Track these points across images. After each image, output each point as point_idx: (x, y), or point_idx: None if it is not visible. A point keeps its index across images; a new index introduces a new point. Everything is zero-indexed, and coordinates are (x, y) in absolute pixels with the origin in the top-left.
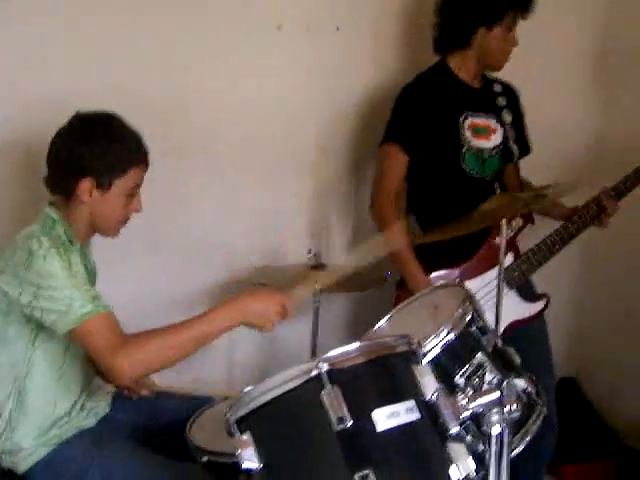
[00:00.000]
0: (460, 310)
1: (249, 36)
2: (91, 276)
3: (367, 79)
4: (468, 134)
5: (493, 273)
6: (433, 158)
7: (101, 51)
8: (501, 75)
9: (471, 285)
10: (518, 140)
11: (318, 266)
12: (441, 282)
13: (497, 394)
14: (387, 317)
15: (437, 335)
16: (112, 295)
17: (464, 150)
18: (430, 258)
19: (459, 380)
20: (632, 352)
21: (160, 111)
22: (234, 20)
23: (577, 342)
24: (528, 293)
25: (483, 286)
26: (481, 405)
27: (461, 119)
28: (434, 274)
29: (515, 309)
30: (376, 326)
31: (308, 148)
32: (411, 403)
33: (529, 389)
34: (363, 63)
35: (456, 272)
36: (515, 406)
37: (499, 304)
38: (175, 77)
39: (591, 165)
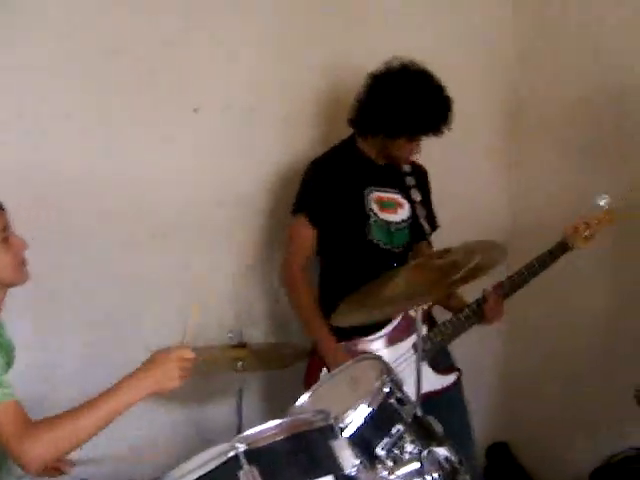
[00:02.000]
0: (378, 383)
1: (168, 117)
2: (4, 352)
3: (278, 158)
4: (374, 207)
5: (407, 344)
6: (341, 230)
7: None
8: None
9: (386, 355)
10: (427, 219)
11: (239, 345)
12: (361, 355)
13: (417, 464)
14: (308, 393)
15: (356, 409)
16: None
17: (371, 221)
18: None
19: (380, 452)
20: (561, 416)
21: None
22: (153, 102)
23: (508, 408)
24: (442, 365)
25: (397, 357)
26: (402, 476)
27: (366, 192)
28: (348, 343)
29: (427, 381)
30: (298, 402)
31: (228, 224)
32: (330, 478)
33: (451, 457)
34: (275, 143)
35: (372, 342)
36: (437, 475)
37: (419, 374)
38: (96, 158)
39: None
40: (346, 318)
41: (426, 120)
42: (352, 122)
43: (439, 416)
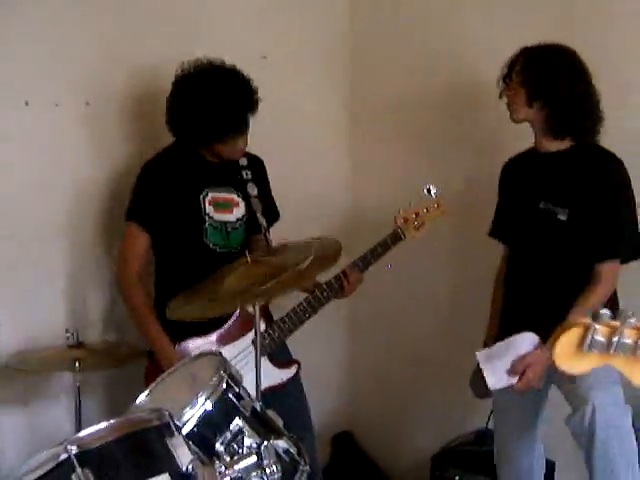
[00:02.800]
0: (215, 378)
1: None
2: None
3: (117, 153)
4: (209, 209)
5: (246, 340)
6: (175, 234)
7: None
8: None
9: (224, 353)
10: (265, 211)
11: (76, 345)
12: (199, 351)
13: (254, 458)
14: (146, 392)
15: (193, 405)
16: None
17: (206, 225)
18: (182, 326)
19: (219, 448)
20: (404, 403)
21: None
22: None
23: (351, 397)
24: (281, 359)
25: (237, 354)
26: (239, 470)
27: (201, 196)
28: (185, 343)
29: (267, 376)
30: (136, 402)
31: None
32: (165, 477)
33: (290, 449)
34: (111, 140)
35: (209, 340)
36: (275, 468)
37: (258, 369)
38: None
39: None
40: (178, 312)
41: (227, 122)
42: (170, 130)
43: (281, 409)
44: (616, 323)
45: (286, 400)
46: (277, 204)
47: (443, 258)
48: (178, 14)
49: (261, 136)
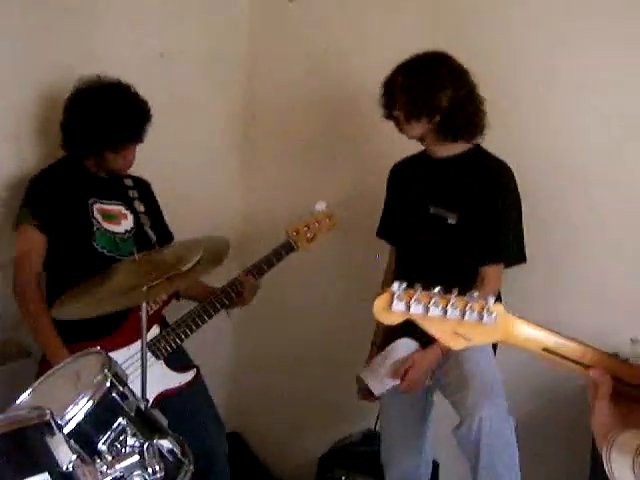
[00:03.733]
0: (99, 377)
1: None
2: None
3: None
4: (98, 216)
5: (139, 343)
6: (64, 237)
7: None
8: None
9: (118, 356)
10: (155, 227)
11: None
12: (84, 350)
13: (136, 457)
14: (29, 391)
15: (76, 404)
16: None
17: (94, 229)
18: (74, 331)
19: (102, 447)
20: (292, 404)
21: None
22: None
23: (240, 397)
24: (179, 363)
25: (129, 357)
26: (121, 469)
27: (90, 202)
28: (77, 346)
29: (164, 379)
30: (18, 401)
31: None
32: (45, 476)
33: (175, 449)
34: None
35: (101, 344)
36: (158, 467)
37: (144, 370)
38: None
39: (238, 241)
40: (63, 312)
41: (122, 129)
42: (63, 144)
43: (183, 410)
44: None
45: (188, 402)
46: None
47: (332, 262)
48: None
49: (155, 138)
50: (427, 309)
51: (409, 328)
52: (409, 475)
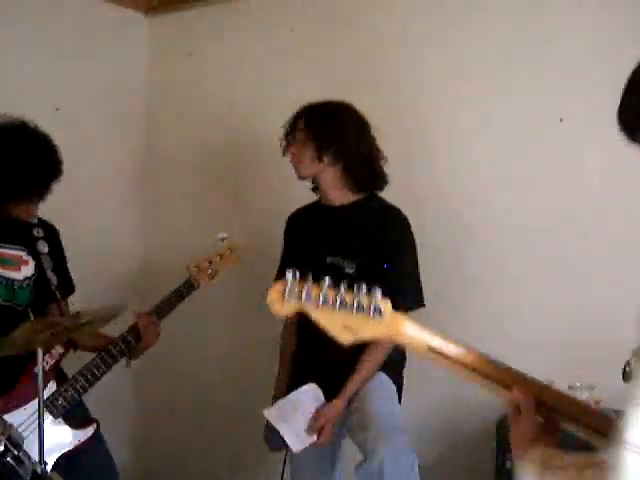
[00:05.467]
0: None
1: None
2: None
3: None
4: None
5: (36, 403)
6: None
7: None
8: None
9: (14, 417)
10: (57, 271)
11: None
12: None
13: None
14: None
15: None
16: None
17: None
18: None
19: None
20: (189, 458)
21: None
22: None
23: (144, 450)
24: (77, 419)
25: (27, 417)
26: None
27: None
28: None
29: (62, 438)
30: None
31: None
32: None
33: None
34: None
35: None
36: None
37: (41, 431)
38: None
39: (137, 286)
40: None
41: (28, 187)
42: None
43: (86, 469)
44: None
45: (87, 459)
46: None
47: (234, 307)
48: None
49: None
50: (318, 301)
51: (319, 366)
52: None
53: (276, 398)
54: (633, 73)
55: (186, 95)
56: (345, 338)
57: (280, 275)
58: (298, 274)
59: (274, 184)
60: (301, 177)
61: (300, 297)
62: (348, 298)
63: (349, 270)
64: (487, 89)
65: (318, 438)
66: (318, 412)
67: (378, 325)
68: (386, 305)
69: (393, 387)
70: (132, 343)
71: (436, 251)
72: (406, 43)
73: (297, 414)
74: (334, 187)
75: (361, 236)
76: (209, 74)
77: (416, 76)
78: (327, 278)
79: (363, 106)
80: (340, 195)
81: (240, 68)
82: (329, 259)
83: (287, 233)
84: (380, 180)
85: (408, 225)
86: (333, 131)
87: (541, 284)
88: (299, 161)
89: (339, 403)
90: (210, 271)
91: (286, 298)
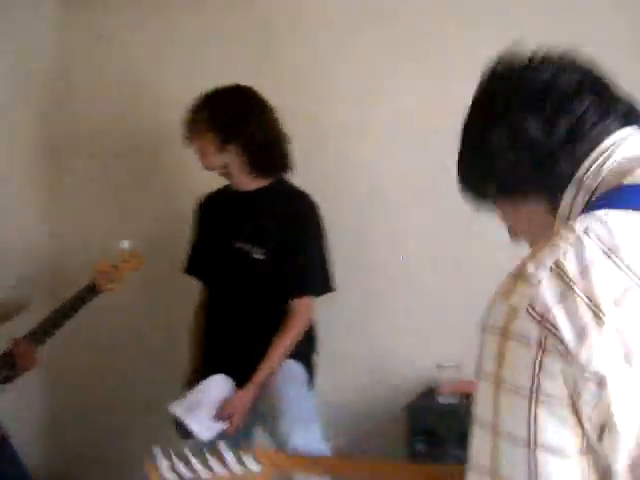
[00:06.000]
0: None
1: None
2: None
3: None
4: None
5: None
6: None
7: None
8: None
9: None
10: None
11: None
12: None
13: None
14: None
15: None
16: None
17: None
18: None
19: None
20: (104, 456)
21: None
22: None
23: (59, 455)
24: None
25: None
26: None
27: None
28: None
29: None
30: None
31: None
32: None
33: None
34: None
35: None
36: None
37: None
38: None
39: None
40: None
41: None
42: None
43: None
44: None
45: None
46: None
47: (141, 303)
48: None
49: None
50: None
51: (230, 354)
52: None
53: (186, 385)
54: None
55: (98, 79)
56: None
57: (190, 263)
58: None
59: (189, 170)
60: (208, 168)
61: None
62: (222, 462)
63: (257, 256)
64: (393, 82)
65: (228, 426)
66: (226, 401)
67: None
68: (259, 464)
69: (304, 374)
70: (4, 372)
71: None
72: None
73: (204, 404)
74: (241, 173)
75: (269, 221)
76: (120, 59)
77: (326, 62)
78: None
79: (270, 90)
80: (247, 181)
81: (153, 52)
82: (237, 244)
83: (196, 217)
84: (285, 164)
85: (316, 209)
86: (234, 119)
87: (416, 268)
88: (203, 153)
89: (247, 392)
90: (114, 275)
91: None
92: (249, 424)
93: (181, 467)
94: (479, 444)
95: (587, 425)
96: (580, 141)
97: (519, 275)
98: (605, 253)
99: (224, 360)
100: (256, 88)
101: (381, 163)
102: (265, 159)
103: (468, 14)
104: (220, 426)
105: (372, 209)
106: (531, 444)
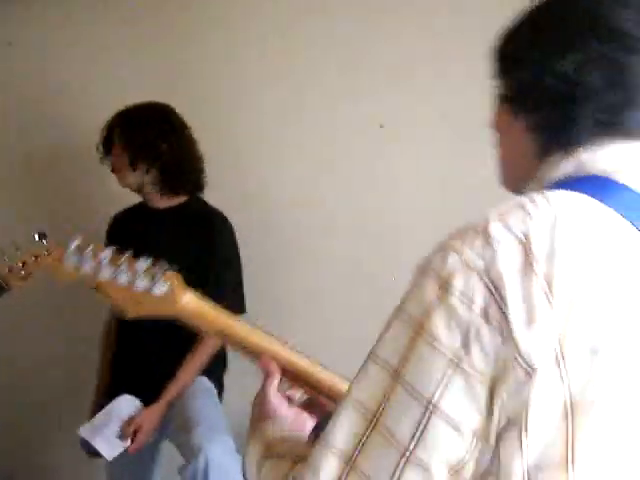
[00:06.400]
0: None
1: None
2: None
3: None
4: None
5: None
6: None
7: None
8: None
9: None
10: None
11: None
12: None
13: None
14: None
15: None
16: None
17: None
18: None
19: None
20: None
21: None
22: None
23: None
24: None
25: None
26: None
27: None
28: None
29: None
30: None
31: None
32: None
33: None
34: None
35: None
36: None
37: None
38: None
39: None
40: None
41: None
42: None
43: None
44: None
45: None
46: None
47: (56, 308)
48: None
49: None
50: (98, 270)
51: (140, 372)
52: None
53: (94, 404)
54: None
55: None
56: (131, 312)
57: None
58: (78, 241)
59: (97, 181)
60: (123, 186)
61: (79, 264)
62: (129, 269)
63: None
64: (305, 93)
65: (131, 444)
66: (132, 419)
67: (161, 302)
68: (171, 279)
69: (214, 390)
70: None
71: (261, 254)
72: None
73: (111, 424)
74: (153, 192)
75: (181, 240)
76: (31, 65)
77: (239, 74)
78: (109, 249)
79: (185, 106)
80: (161, 199)
81: (64, 60)
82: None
83: (110, 233)
84: (199, 182)
85: (229, 228)
86: (146, 139)
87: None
88: (117, 171)
89: (155, 408)
90: (23, 272)
91: (65, 261)
92: (156, 440)
93: (88, 256)
94: (369, 384)
95: (496, 412)
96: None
97: (480, 231)
98: (576, 243)
99: (134, 378)
100: (172, 104)
101: (303, 179)
102: (178, 178)
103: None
104: (124, 444)
105: (290, 227)
106: (431, 405)
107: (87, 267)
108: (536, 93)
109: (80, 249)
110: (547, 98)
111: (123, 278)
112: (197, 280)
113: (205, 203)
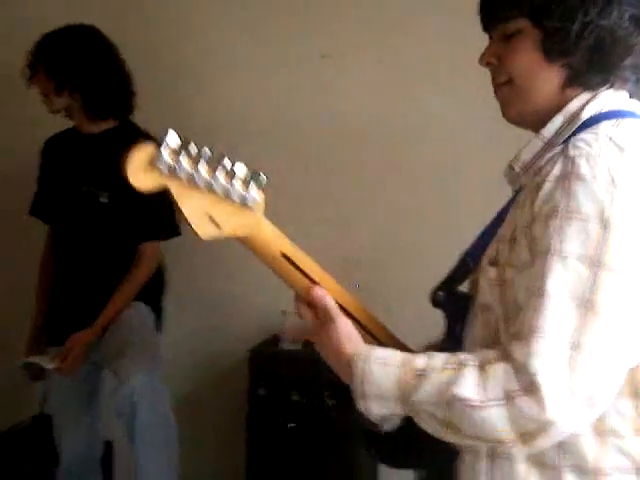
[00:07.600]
0: None
1: None
2: None
3: None
4: None
5: None
6: None
7: None
8: None
9: None
10: None
11: None
12: None
13: None
14: None
15: None
16: None
17: None
18: None
19: None
20: None
21: None
22: None
23: None
24: None
25: None
26: None
27: None
28: None
29: None
30: None
31: None
32: None
33: None
34: None
35: None
36: None
37: None
38: None
39: None
40: None
41: None
42: None
43: None
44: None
45: None
46: None
47: None
48: None
49: None
50: (193, 176)
51: (76, 299)
52: (81, 455)
53: (31, 338)
54: None
55: None
56: (204, 232)
57: (35, 203)
58: (181, 139)
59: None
60: (50, 111)
61: (173, 168)
62: (223, 179)
63: (103, 199)
64: (245, 26)
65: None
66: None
67: (243, 220)
68: (261, 197)
69: (151, 316)
70: None
71: None
72: None
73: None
74: (82, 116)
75: (113, 164)
76: None
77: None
78: (207, 149)
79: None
80: (90, 123)
81: None
82: (84, 187)
83: (43, 159)
84: (127, 106)
85: None
86: (71, 62)
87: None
88: (45, 96)
89: (86, 333)
90: None
91: (158, 163)
92: (95, 367)
93: (187, 155)
94: (566, 276)
95: None
96: None
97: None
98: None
99: (70, 304)
100: (99, 25)
101: (242, 103)
102: (105, 101)
103: None
104: (52, 364)
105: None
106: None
107: (183, 171)
108: (580, 41)
109: (175, 149)
110: (588, 46)
111: (219, 187)
112: (131, 205)
113: (136, 126)
